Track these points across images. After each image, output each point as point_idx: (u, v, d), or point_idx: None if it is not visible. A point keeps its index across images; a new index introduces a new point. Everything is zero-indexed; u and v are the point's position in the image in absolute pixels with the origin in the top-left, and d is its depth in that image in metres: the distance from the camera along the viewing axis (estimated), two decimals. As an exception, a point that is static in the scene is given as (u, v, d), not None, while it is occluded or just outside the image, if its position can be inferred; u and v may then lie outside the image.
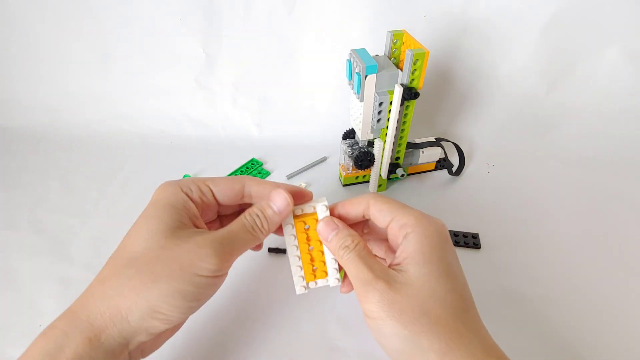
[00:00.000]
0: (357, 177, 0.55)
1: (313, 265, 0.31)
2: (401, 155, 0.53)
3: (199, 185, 0.28)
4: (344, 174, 0.54)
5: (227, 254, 0.26)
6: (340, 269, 0.31)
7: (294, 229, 0.30)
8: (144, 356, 0.27)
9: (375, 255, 0.32)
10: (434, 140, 0.55)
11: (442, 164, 0.58)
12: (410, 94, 0.44)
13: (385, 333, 0.24)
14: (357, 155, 0.49)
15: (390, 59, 0.47)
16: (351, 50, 0.44)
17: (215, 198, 0.29)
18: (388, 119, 0.47)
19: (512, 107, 0.65)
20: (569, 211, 0.51)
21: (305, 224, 0.30)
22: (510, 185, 0.55)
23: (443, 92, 0.65)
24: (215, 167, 0.58)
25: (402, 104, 0.45)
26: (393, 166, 0.53)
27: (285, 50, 0.63)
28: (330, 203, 0.30)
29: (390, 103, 0.45)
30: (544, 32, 0.59)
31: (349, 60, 0.45)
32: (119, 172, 0.59)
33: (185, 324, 0.29)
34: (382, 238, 0.32)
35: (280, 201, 0.28)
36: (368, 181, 0.55)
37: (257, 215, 0.27)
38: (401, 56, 0.47)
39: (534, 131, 0.64)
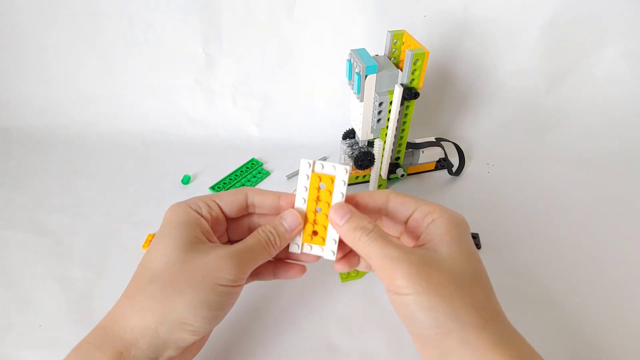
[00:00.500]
0: (357, 177, 0.55)
1: (314, 228, 0.30)
2: (401, 155, 0.53)
3: (206, 201, 0.30)
4: (344, 174, 0.54)
5: (243, 265, 0.27)
6: (341, 247, 0.30)
7: (309, 180, 0.29)
8: None
9: None
10: (434, 140, 0.55)
11: (442, 164, 0.58)
12: (410, 94, 0.44)
13: (418, 308, 0.23)
14: (357, 155, 0.49)
15: (390, 59, 0.47)
16: (351, 50, 0.44)
17: (222, 212, 0.31)
18: (388, 119, 0.47)
19: (512, 107, 0.65)
20: (569, 211, 0.51)
21: (320, 180, 0.30)
22: (510, 185, 0.55)
23: (443, 92, 0.65)
24: (215, 167, 0.58)
25: (402, 104, 0.45)
26: (393, 166, 0.53)
27: (285, 50, 0.63)
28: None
29: (390, 103, 0.45)
30: (544, 32, 0.59)
31: (349, 60, 0.45)
32: (119, 172, 0.59)
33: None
34: (394, 236, 0.32)
35: (291, 219, 0.29)
36: (368, 181, 0.55)
37: (271, 232, 0.29)
38: (401, 56, 0.47)
39: (534, 131, 0.64)
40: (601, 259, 0.44)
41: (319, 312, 0.39)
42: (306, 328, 0.38)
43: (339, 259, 0.32)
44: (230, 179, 0.56)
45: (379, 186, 0.54)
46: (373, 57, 0.43)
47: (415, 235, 0.29)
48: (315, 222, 0.30)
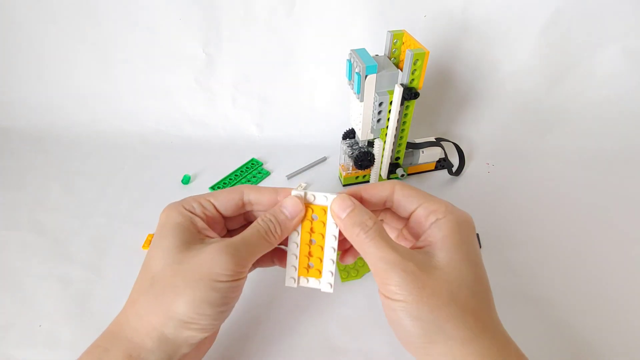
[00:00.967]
0: (357, 177, 0.55)
1: (309, 261, 0.30)
2: (401, 155, 0.53)
3: (199, 201, 0.29)
4: (344, 174, 0.54)
5: (242, 258, 0.26)
6: (352, 255, 0.30)
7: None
8: None
9: None
10: (434, 140, 0.55)
11: (442, 164, 0.58)
12: (410, 94, 0.44)
13: (406, 316, 0.23)
14: (357, 155, 0.49)
15: (390, 59, 0.47)
16: (351, 50, 0.44)
17: (218, 211, 0.30)
18: (388, 119, 0.47)
19: (512, 107, 0.65)
20: (569, 211, 0.51)
21: (313, 211, 0.29)
22: (510, 185, 0.55)
23: (443, 92, 0.65)
24: (215, 167, 0.58)
25: (402, 104, 0.45)
26: (393, 166, 0.53)
27: (285, 50, 0.63)
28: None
29: (390, 103, 0.45)
30: (544, 32, 0.59)
31: (349, 60, 0.45)
32: (119, 172, 0.59)
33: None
34: (396, 229, 0.32)
35: (291, 206, 0.28)
36: (368, 181, 0.55)
37: (270, 221, 0.28)
38: (401, 56, 0.47)
39: (534, 131, 0.64)
40: (601, 258, 0.44)
41: (319, 312, 0.39)
42: (306, 328, 0.38)
43: (343, 253, 0.31)
44: (230, 179, 0.56)
45: (379, 186, 0.54)
46: (373, 57, 0.43)
47: (416, 232, 0.28)
48: (310, 254, 0.29)
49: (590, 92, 0.63)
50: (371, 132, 0.48)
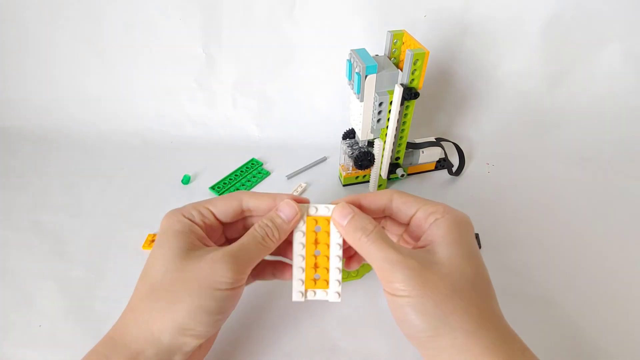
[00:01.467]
0: (357, 177, 0.55)
1: (315, 272, 0.30)
2: (401, 155, 0.53)
3: (198, 209, 0.30)
4: (344, 174, 0.54)
5: (240, 265, 0.27)
6: (356, 261, 0.31)
7: (305, 225, 0.29)
8: None
9: None
10: (434, 140, 0.55)
11: (442, 164, 0.58)
12: (410, 94, 0.44)
13: (412, 311, 0.24)
14: (357, 155, 0.49)
15: (390, 59, 0.47)
16: (351, 50, 0.44)
17: (216, 218, 0.30)
18: (388, 119, 0.47)
19: (512, 107, 0.65)
20: (569, 211, 0.51)
21: (317, 223, 0.29)
22: (510, 185, 0.55)
23: (443, 92, 0.65)
24: (215, 167, 0.58)
25: (402, 104, 0.45)
26: (393, 166, 0.53)
27: (285, 50, 0.63)
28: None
29: (390, 103, 0.45)
30: (544, 32, 0.59)
31: (349, 60, 0.45)
32: (119, 172, 0.59)
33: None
34: (397, 235, 0.32)
35: (288, 210, 0.29)
36: (368, 181, 0.55)
37: (267, 225, 0.28)
38: (401, 56, 0.47)
39: (534, 131, 0.64)
40: (601, 258, 0.44)
41: (319, 312, 0.39)
42: (306, 328, 0.38)
43: (347, 260, 0.32)
44: (230, 179, 0.56)
45: (379, 186, 0.54)
46: (373, 57, 0.43)
47: (417, 235, 0.29)
48: (316, 265, 0.30)
49: (590, 92, 0.63)
50: (371, 132, 0.48)
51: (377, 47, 0.48)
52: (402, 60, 0.45)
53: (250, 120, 0.67)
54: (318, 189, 0.55)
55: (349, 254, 0.32)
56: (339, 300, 0.30)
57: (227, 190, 0.55)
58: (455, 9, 0.58)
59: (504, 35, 0.60)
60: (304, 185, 0.55)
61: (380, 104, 0.45)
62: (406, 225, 0.30)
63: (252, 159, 0.60)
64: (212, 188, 0.55)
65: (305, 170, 0.58)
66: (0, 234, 0.49)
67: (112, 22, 0.63)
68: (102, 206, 0.53)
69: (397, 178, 0.56)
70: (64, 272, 0.44)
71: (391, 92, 0.44)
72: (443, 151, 0.56)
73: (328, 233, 0.29)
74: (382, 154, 0.50)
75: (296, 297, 0.30)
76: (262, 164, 0.60)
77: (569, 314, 0.39)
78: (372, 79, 0.42)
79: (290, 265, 0.32)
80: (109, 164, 0.61)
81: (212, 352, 0.35)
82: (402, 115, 0.47)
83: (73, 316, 0.39)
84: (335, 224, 0.29)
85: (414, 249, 0.27)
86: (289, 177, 0.57)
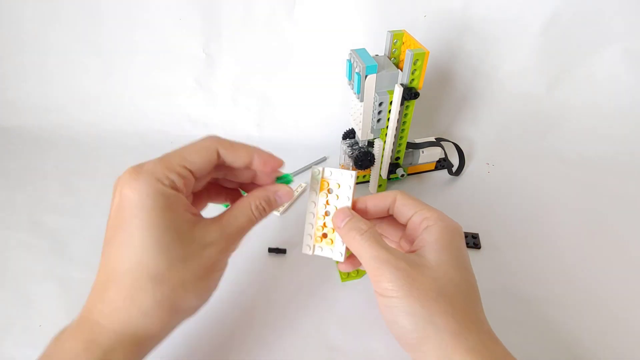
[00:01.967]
0: (357, 177, 0.55)
1: (323, 230, 0.32)
2: (401, 155, 0.53)
3: (176, 170, 0.25)
4: (344, 174, 0.54)
5: (235, 242, 0.28)
6: (350, 264, 0.32)
7: (319, 185, 0.31)
8: None
9: None
10: (434, 140, 0.55)
11: (442, 164, 0.58)
12: (410, 94, 0.44)
13: (400, 311, 0.24)
14: (357, 155, 0.49)
15: (390, 59, 0.47)
16: (351, 50, 0.44)
17: (193, 175, 0.27)
18: (388, 119, 0.47)
19: (512, 107, 0.65)
20: (569, 211, 0.51)
21: (329, 185, 0.31)
22: (510, 185, 0.55)
23: (443, 92, 0.65)
24: (215, 167, 0.58)
25: (402, 104, 0.45)
26: (393, 166, 0.53)
27: (285, 50, 0.63)
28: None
29: (390, 103, 0.45)
30: (544, 32, 0.59)
31: (349, 60, 0.45)
32: (119, 172, 0.59)
33: (184, 325, 0.28)
34: (395, 239, 0.33)
35: (287, 198, 0.31)
36: (368, 181, 0.55)
37: (264, 209, 0.29)
38: (401, 56, 0.47)
39: (534, 131, 0.64)
40: (601, 259, 0.44)
41: (319, 312, 0.39)
42: (306, 328, 0.38)
43: (348, 259, 0.33)
44: (230, 179, 0.56)
45: (379, 186, 0.54)
46: (373, 57, 0.43)
47: (411, 238, 0.30)
48: (325, 225, 0.32)
49: (590, 93, 0.63)
50: (371, 132, 0.48)
51: (377, 47, 0.48)
52: (402, 60, 0.45)
53: (250, 120, 0.67)
54: (318, 189, 0.55)
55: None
56: (342, 259, 0.31)
57: (227, 190, 0.54)
58: (455, 9, 0.58)
59: (504, 35, 0.60)
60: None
61: (380, 104, 0.45)
62: (404, 227, 0.31)
63: (252, 159, 0.60)
64: (212, 188, 0.54)
65: (305, 170, 0.58)
66: (0, 234, 0.49)
67: (112, 22, 0.63)
68: (102, 206, 0.53)
69: (397, 178, 0.56)
70: (64, 272, 0.44)
71: (391, 92, 0.44)
72: (443, 151, 0.56)
73: (338, 197, 0.31)
74: (382, 154, 0.50)
75: (305, 250, 0.32)
76: (262, 164, 0.60)
77: (569, 314, 0.39)
78: (372, 79, 0.42)
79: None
80: (109, 164, 0.61)
81: (211, 352, 0.36)
82: (402, 115, 0.47)
83: (73, 316, 0.39)
84: (334, 225, 0.30)
85: (407, 252, 0.28)
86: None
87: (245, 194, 0.30)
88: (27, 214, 0.52)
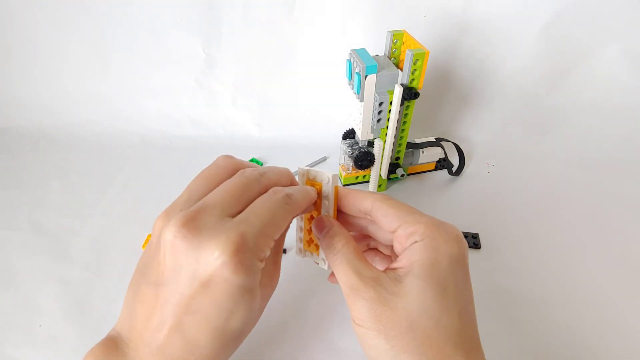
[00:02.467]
0: (357, 177, 0.55)
1: (310, 236, 0.30)
2: (401, 155, 0.53)
3: (270, 245, 0.24)
4: (344, 174, 0.54)
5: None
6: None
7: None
8: None
9: (380, 252, 0.31)
10: (434, 140, 0.55)
11: (442, 164, 0.58)
12: (410, 94, 0.44)
13: (367, 343, 0.23)
14: (357, 155, 0.49)
15: (390, 59, 0.47)
16: (351, 50, 0.44)
17: None
18: (388, 119, 0.47)
19: (512, 107, 0.65)
20: (569, 211, 0.51)
21: (314, 187, 0.29)
22: (510, 185, 0.55)
23: (443, 92, 0.65)
24: (215, 167, 0.58)
25: (402, 104, 0.45)
26: (393, 166, 0.53)
27: (285, 50, 0.63)
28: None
29: (390, 103, 0.45)
30: (544, 32, 0.59)
31: (349, 60, 0.45)
32: (119, 172, 0.59)
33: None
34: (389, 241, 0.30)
35: (310, 194, 0.27)
36: (368, 181, 0.55)
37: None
38: (401, 56, 0.47)
39: (534, 131, 0.64)
40: (601, 259, 0.44)
41: (319, 313, 0.39)
42: (306, 328, 0.38)
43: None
44: (230, 179, 0.56)
45: (379, 186, 0.54)
46: (373, 57, 0.43)
47: (397, 252, 0.26)
48: (310, 229, 0.29)
49: (590, 92, 0.63)
50: (371, 132, 0.47)
51: (377, 47, 0.48)
52: (402, 60, 0.45)
53: (250, 120, 0.67)
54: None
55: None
56: (326, 267, 0.29)
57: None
58: (455, 9, 0.58)
59: (504, 35, 0.60)
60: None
61: (380, 104, 0.45)
62: (392, 234, 0.27)
63: (252, 159, 0.60)
64: (212, 188, 0.54)
65: (305, 170, 0.58)
66: (0, 234, 0.49)
67: (113, 22, 0.63)
68: (102, 206, 0.53)
69: (397, 178, 0.56)
70: (64, 272, 0.44)
71: (391, 92, 0.44)
72: (443, 151, 0.56)
73: (320, 200, 0.28)
74: (382, 154, 0.50)
75: (297, 253, 0.31)
76: (262, 164, 0.60)
77: (569, 314, 0.39)
78: (372, 79, 0.42)
79: None
80: (109, 164, 0.61)
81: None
82: (402, 115, 0.47)
83: (73, 316, 0.39)
84: (315, 235, 0.28)
85: (388, 270, 0.25)
86: (289, 177, 0.57)
87: None
88: (27, 214, 0.52)
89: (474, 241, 0.46)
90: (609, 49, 0.60)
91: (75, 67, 0.68)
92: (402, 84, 0.43)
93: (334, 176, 0.27)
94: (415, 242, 0.24)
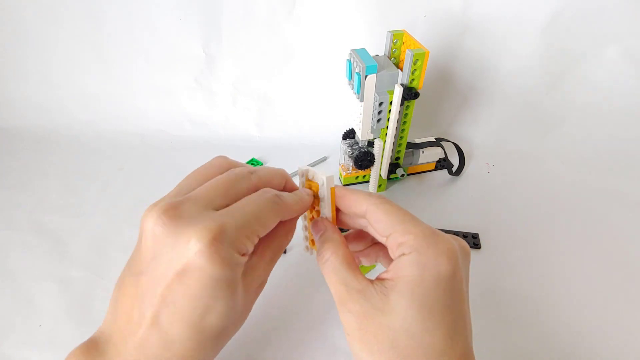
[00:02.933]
0: (357, 177, 0.55)
1: (312, 236, 0.30)
2: (401, 155, 0.53)
3: (252, 240, 0.23)
4: (344, 174, 0.54)
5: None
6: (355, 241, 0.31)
7: (305, 186, 0.30)
8: None
9: (381, 246, 0.30)
10: (434, 140, 0.55)
11: (442, 164, 0.58)
12: (410, 94, 0.44)
13: (354, 352, 0.24)
14: (357, 155, 0.49)
15: (390, 59, 0.47)
16: (351, 50, 0.44)
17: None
18: (388, 119, 0.47)
19: (512, 107, 0.65)
20: (569, 211, 0.51)
21: (311, 187, 0.29)
22: (510, 185, 0.55)
23: (443, 92, 0.65)
24: (215, 167, 0.58)
25: (402, 104, 0.45)
26: (393, 166, 0.53)
27: (285, 50, 0.63)
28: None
29: (390, 103, 0.45)
30: (544, 32, 0.59)
31: (349, 60, 0.45)
32: (119, 172, 0.59)
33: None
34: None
35: (307, 198, 0.28)
36: (368, 181, 0.55)
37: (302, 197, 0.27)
38: (401, 56, 0.47)
39: (534, 131, 0.64)
40: (601, 259, 0.44)
41: (319, 313, 0.39)
42: (306, 328, 0.38)
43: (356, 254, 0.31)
44: (230, 179, 0.56)
45: (379, 186, 0.54)
46: (373, 57, 0.43)
47: (389, 260, 0.26)
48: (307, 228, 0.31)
49: (590, 92, 0.63)
50: (371, 132, 0.48)
51: (377, 47, 0.48)
52: (402, 60, 0.45)
53: (250, 120, 0.67)
54: (318, 189, 0.55)
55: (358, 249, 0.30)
56: None
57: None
58: (455, 9, 0.58)
59: (504, 35, 0.60)
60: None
61: (380, 104, 0.45)
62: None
63: (252, 159, 0.60)
64: (212, 188, 0.54)
65: (305, 170, 0.58)
66: (0, 234, 0.49)
67: (112, 22, 0.63)
68: (102, 206, 0.53)
69: (397, 178, 0.56)
70: (64, 272, 0.44)
71: (391, 92, 0.44)
72: (443, 151, 0.56)
73: (318, 199, 0.28)
74: (382, 154, 0.50)
75: (305, 250, 0.31)
76: (262, 164, 0.60)
77: (569, 314, 0.39)
78: (372, 79, 0.42)
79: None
80: (109, 164, 0.61)
81: (212, 352, 0.35)
82: (402, 115, 0.47)
83: (73, 316, 0.40)
84: (313, 235, 0.28)
85: (377, 280, 0.24)
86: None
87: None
88: (27, 214, 0.52)
89: (474, 241, 0.46)
90: (609, 49, 0.60)
91: (75, 67, 0.68)
92: (402, 84, 0.44)
93: (329, 178, 0.27)
94: (404, 254, 0.23)
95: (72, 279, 0.43)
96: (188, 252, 0.20)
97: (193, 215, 0.22)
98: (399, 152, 0.52)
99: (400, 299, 0.22)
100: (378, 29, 0.58)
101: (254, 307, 0.39)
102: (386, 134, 0.48)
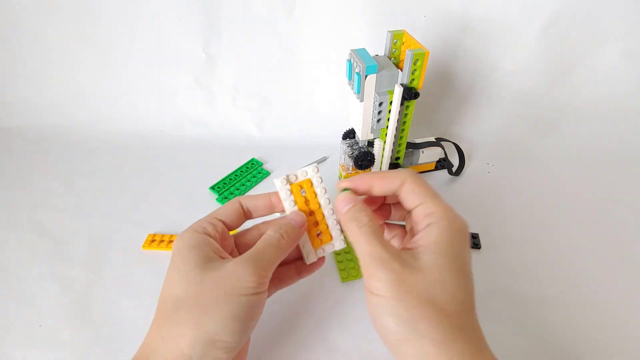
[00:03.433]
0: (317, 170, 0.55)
1: (317, 231, 0.32)
2: (401, 155, 0.53)
3: (208, 221, 0.30)
4: (344, 174, 0.54)
5: (261, 268, 0.27)
6: (372, 201, 0.32)
7: (292, 194, 0.31)
8: None
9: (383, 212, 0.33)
10: (434, 140, 0.55)
11: (442, 164, 0.58)
12: (410, 94, 0.44)
13: (385, 312, 0.24)
14: (357, 155, 0.49)
15: (390, 59, 0.47)
16: (351, 50, 0.44)
17: (225, 225, 0.31)
18: (388, 119, 0.47)
19: (512, 107, 0.65)
20: (569, 211, 0.51)
21: (301, 187, 0.31)
22: (511, 185, 0.55)
23: (443, 92, 0.65)
24: (216, 167, 0.58)
25: (402, 104, 0.45)
26: (393, 166, 0.53)
27: (285, 50, 0.63)
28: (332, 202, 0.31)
29: (390, 103, 0.45)
30: (544, 32, 0.59)
31: (349, 60, 0.45)
32: (119, 172, 0.59)
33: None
34: (400, 228, 0.33)
35: (298, 217, 0.31)
36: (368, 181, 0.55)
37: (280, 228, 0.30)
38: (401, 56, 0.47)
39: (534, 131, 0.64)
40: (601, 258, 0.44)
41: (319, 313, 0.39)
42: (307, 328, 0.38)
43: (375, 211, 0.33)
44: (230, 179, 0.56)
45: (379, 186, 0.54)
46: (373, 57, 0.43)
47: (413, 231, 0.29)
48: (316, 224, 0.31)
49: (590, 92, 0.63)
50: (371, 132, 0.48)
51: (377, 47, 0.48)
52: (402, 60, 0.45)
53: (250, 120, 0.67)
54: (318, 189, 0.55)
55: (378, 204, 0.33)
56: (345, 245, 0.32)
57: (227, 190, 0.55)
58: (455, 9, 0.58)
59: (504, 35, 0.60)
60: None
61: (380, 104, 0.45)
62: (409, 212, 0.29)
63: (252, 159, 0.60)
64: (212, 188, 0.54)
65: (305, 170, 0.58)
66: (0, 233, 0.49)
67: (112, 22, 0.63)
68: (102, 206, 0.53)
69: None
70: (64, 272, 0.44)
71: (391, 92, 0.44)
72: (443, 151, 0.56)
73: (315, 193, 0.31)
74: (382, 154, 0.50)
75: (311, 259, 0.32)
76: (262, 164, 0.60)
77: (569, 314, 0.39)
78: (372, 79, 0.42)
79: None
80: (109, 164, 0.61)
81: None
82: (402, 115, 0.47)
83: (73, 316, 0.40)
84: (336, 211, 0.30)
85: (405, 249, 0.27)
86: (289, 177, 0.57)
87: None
88: (27, 214, 0.52)
89: (474, 241, 0.46)
90: (608, 49, 0.60)
91: (75, 67, 0.68)
92: (402, 84, 0.44)
93: (314, 167, 0.31)
94: (432, 223, 0.26)
95: (72, 279, 0.43)
96: None
97: None
98: (399, 152, 0.52)
99: (437, 259, 0.25)
100: (378, 29, 0.58)
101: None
102: (386, 134, 0.48)
